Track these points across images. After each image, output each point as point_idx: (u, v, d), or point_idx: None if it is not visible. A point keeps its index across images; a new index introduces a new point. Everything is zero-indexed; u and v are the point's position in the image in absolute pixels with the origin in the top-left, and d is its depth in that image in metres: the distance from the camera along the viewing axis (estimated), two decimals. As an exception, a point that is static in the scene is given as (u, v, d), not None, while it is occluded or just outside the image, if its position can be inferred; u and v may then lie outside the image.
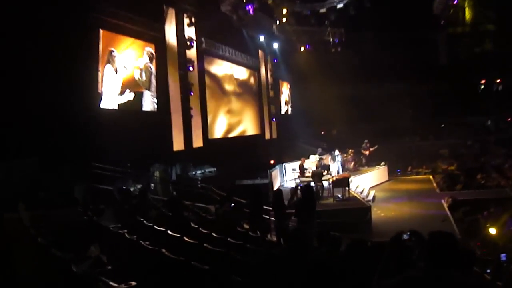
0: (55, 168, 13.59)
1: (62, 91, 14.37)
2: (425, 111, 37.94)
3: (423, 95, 38.11)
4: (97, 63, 17.22)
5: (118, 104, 18.28)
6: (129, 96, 18.88)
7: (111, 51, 18.02)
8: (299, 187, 14.74)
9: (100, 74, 17.27)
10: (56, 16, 14.26)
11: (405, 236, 5.20)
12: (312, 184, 20.95)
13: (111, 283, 5.87)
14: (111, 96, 17.92)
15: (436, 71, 38.46)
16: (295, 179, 23.93)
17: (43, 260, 6.90)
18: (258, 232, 12.97)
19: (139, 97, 19.74)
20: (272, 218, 14.34)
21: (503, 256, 9.16)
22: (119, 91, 18.35)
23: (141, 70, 19.84)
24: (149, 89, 20.32)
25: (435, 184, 26.95)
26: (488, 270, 9.24)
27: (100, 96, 17.30)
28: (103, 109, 17.45)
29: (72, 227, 9.19)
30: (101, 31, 17.49)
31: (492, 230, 14.58)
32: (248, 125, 31.91)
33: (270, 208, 14.45)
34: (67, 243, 7.75)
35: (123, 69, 18.61)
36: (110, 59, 17.90)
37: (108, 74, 17.72)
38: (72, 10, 15.07)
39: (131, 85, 19.18)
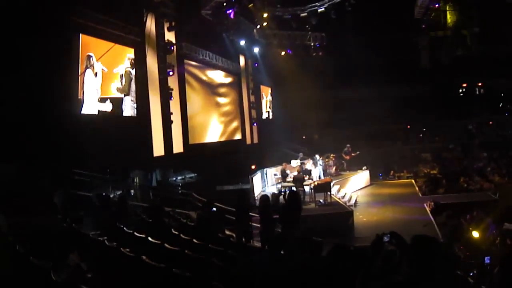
0: (34, 174, 13.50)
1: (41, 96, 14.31)
2: (407, 115, 38.15)
3: (405, 99, 38.26)
4: (77, 68, 17.14)
5: (98, 110, 18.18)
6: (109, 103, 18.83)
7: (89, 56, 17.92)
8: (283, 192, 14.74)
9: (80, 79, 17.18)
10: (36, 20, 14.19)
11: (385, 238, 5.22)
12: (294, 189, 21.02)
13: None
14: (91, 101, 17.82)
15: (418, 74, 38.66)
16: (276, 184, 23.96)
17: (22, 268, 6.83)
18: (243, 238, 13.01)
19: (119, 103, 19.66)
20: (255, 224, 14.34)
21: (486, 259, 9.26)
22: (99, 97, 18.26)
23: (121, 75, 19.78)
24: (128, 95, 20.26)
25: (417, 188, 27.09)
26: (472, 273, 9.33)
27: (81, 101, 17.22)
28: (83, 114, 17.35)
29: (51, 234, 9.10)
30: (81, 35, 17.41)
31: (475, 234, 14.70)
32: (229, 130, 31.88)
33: (253, 214, 14.48)
34: (46, 251, 7.69)
35: (102, 74, 18.52)
36: (88, 64, 17.81)
37: (88, 79, 17.63)
38: (53, 14, 15.00)
39: (111, 90, 19.13)
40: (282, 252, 7.47)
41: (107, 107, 18.73)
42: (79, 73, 17.18)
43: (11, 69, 13.63)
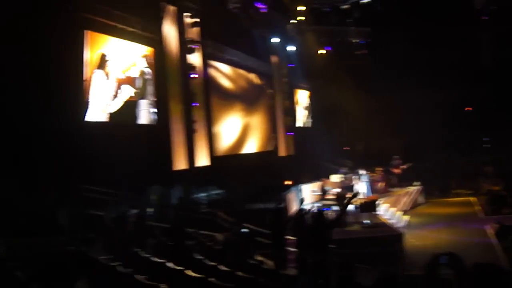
0: (36, 190, 13.52)
1: (41, 102, 14.36)
2: (467, 122, 37.51)
3: (464, 104, 37.65)
4: (82, 69, 17.18)
5: (110, 115, 18.22)
6: (122, 106, 18.87)
7: (104, 55, 18.00)
8: (305, 212, 14.58)
9: (87, 81, 17.22)
10: (35, 15, 14.27)
11: (443, 260, 5.10)
12: (335, 208, 20.85)
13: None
14: (101, 106, 17.87)
15: (479, 75, 37.88)
16: (315, 202, 23.80)
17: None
18: (282, 265, 12.88)
19: (133, 107, 19.70)
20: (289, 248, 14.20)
21: None
22: (111, 100, 18.31)
23: (135, 78, 19.82)
24: (144, 98, 20.28)
25: (478, 207, 26.68)
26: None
27: (88, 106, 17.27)
28: (92, 122, 17.40)
29: (56, 259, 9.09)
30: (87, 32, 17.45)
31: (550, 261, 14.34)
32: (260, 140, 31.80)
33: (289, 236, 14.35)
34: (50, 278, 7.65)
35: (116, 75, 18.58)
36: (102, 63, 17.88)
37: (97, 81, 17.69)
38: (55, 8, 15.09)
39: (125, 93, 19.17)
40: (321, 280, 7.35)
41: (120, 112, 18.77)
42: (84, 75, 17.20)
43: (8, 70, 13.70)
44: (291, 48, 33.70)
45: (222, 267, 9.56)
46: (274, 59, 34.05)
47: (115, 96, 18.62)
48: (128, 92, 19.37)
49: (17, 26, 13.96)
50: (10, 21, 13.78)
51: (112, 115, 18.36)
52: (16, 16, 13.92)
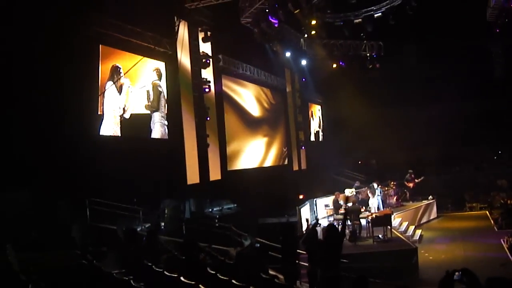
0: (49, 204, 13.54)
1: (56, 115, 14.42)
2: (480, 134, 37.25)
3: (477, 116, 37.43)
4: (96, 82, 17.27)
5: (123, 129, 18.27)
6: (136, 119, 18.92)
7: (117, 68, 18.07)
8: (317, 226, 14.53)
9: (100, 97, 17.28)
10: (51, 30, 14.35)
11: (456, 276, 5.05)
12: (348, 222, 20.75)
13: None
14: (113, 120, 17.92)
15: (491, 87, 37.75)
16: (328, 216, 23.69)
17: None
18: (292, 280, 12.80)
19: (147, 121, 19.75)
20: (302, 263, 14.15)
21: None
22: (123, 115, 18.36)
23: (147, 91, 19.90)
24: (158, 110, 20.35)
25: (492, 221, 26.49)
26: None
27: (100, 120, 17.34)
28: (106, 136, 17.45)
29: (68, 272, 9.08)
30: (101, 46, 17.56)
31: None
32: (273, 154, 31.79)
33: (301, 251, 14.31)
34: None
35: (128, 89, 18.64)
36: (115, 77, 17.95)
37: (110, 94, 17.76)
38: (71, 23, 15.18)
39: (138, 107, 19.24)
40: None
41: (134, 126, 18.82)
42: (99, 88, 17.29)
43: (20, 85, 13.76)
44: (304, 62, 33.64)
45: (235, 282, 9.52)
46: (287, 73, 34.09)
47: (128, 108, 18.69)
48: (140, 105, 19.46)
49: (34, 40, 14.06)
50: (27, 35, 13.89)
51: (125, 129, 18.41)
52: (33, 31, 14.01)
